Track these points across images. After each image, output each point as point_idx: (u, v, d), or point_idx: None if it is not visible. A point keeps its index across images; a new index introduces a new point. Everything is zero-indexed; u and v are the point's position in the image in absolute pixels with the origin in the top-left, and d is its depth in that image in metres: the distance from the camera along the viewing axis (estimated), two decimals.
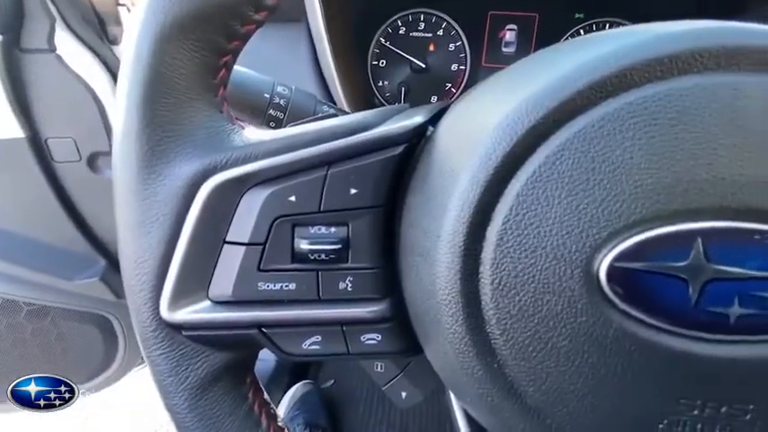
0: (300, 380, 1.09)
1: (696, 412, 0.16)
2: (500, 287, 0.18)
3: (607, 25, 0.65)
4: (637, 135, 0.16)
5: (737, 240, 0.16)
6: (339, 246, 0.22)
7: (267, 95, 0.36)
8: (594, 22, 0.65)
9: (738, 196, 0.16)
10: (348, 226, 0.23)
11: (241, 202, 0.22)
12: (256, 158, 0.22)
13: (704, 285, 0.16)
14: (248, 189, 0.22)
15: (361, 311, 0.23)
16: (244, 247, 0.22)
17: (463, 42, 0.67)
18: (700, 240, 0.16)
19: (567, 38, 0.66)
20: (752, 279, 0.15)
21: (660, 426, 0.17)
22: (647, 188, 0.16)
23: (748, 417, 0.16)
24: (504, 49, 0.67)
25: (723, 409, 0.16)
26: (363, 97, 0.68)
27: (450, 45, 0.67)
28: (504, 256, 0.17)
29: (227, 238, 0.22)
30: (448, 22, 0.67)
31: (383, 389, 0.33)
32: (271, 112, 0.36)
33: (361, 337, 0.24)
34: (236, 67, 0.37)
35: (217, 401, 0.23)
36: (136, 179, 0.21)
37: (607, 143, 0.16)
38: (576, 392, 0.17)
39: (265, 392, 0.27)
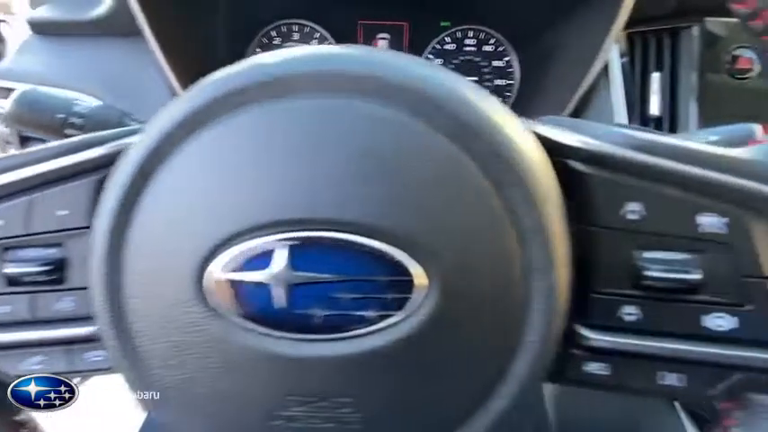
0: None
1: (303, 408, 0.18)
2: (135, 297, 0.19)
3: (471, 32, 0.67)
4: (224, 160, 0.18)
5: (316, 248, 0.17)
6: (52, 267, 0.23)
7: (62, 115, 0.36)
8: (460, 30, 0.67)
9: (315, 209, 0.17)
10: (62, 247, 0.23)
11: None
12: None
13: (291, 290, 0.17)
14: None
15: (85, 330, 0.24)
16: None
17: None
18: (284, 249, 0.17)
19: (434, 45, 0.68)
20: (330, 282, 0.17)
21: (277, 423, 0.18)
22: (240, 205, 0.17)
23: (348, 409, 0.18)
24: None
25: (324, 404, 0.18)
26: None
27: None
28: (138, 268, 0.18)
29: None
30: (321, 33, 0.68)
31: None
32: (67, 131, 0.36)
33: (87, 355, 0.24)
34: (32, 87, 0.37)
35: None
36: None
37: (201, 169, 0.18)
38: (206, 396, 0.18)
39: (23, 413, 0.27)
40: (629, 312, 0.22)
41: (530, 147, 0.18)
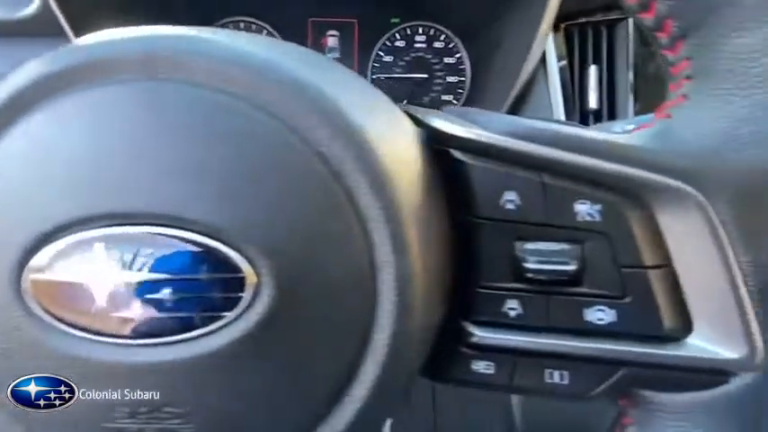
0: None
1: (133, 419, 0.16)
2: None
3: (420, 29, 0.66)
4: (33, 154, 0.16)
5: (132, 245, 0.16)
6: None
7: None
8: (409, 26, 0.67)
9: (132, 202, 0.16)
10: None
11: None
12: None
13: (109, 291, 0.16)
14: None
15: None
16: None
17: None
18: (99, 246, 0.16)
19: (384, 42, 0.67)
20: (147, 282, 0.16)
21: None
22: (54, 201, 0.16)
23: (180, 420, 0.16)
24: (327, 56, 0.68)
25: (155, 414, 0.16)
26: None
27: None
28: None
29: None
30: (269, 31, 0.67)
31: None
32: None
33: None
34: None
35: None
36: None
37: (16, 162, 0.16)
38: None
39: None
40: (512, 307, 0.21)
41: (382, 132, 0.17)
